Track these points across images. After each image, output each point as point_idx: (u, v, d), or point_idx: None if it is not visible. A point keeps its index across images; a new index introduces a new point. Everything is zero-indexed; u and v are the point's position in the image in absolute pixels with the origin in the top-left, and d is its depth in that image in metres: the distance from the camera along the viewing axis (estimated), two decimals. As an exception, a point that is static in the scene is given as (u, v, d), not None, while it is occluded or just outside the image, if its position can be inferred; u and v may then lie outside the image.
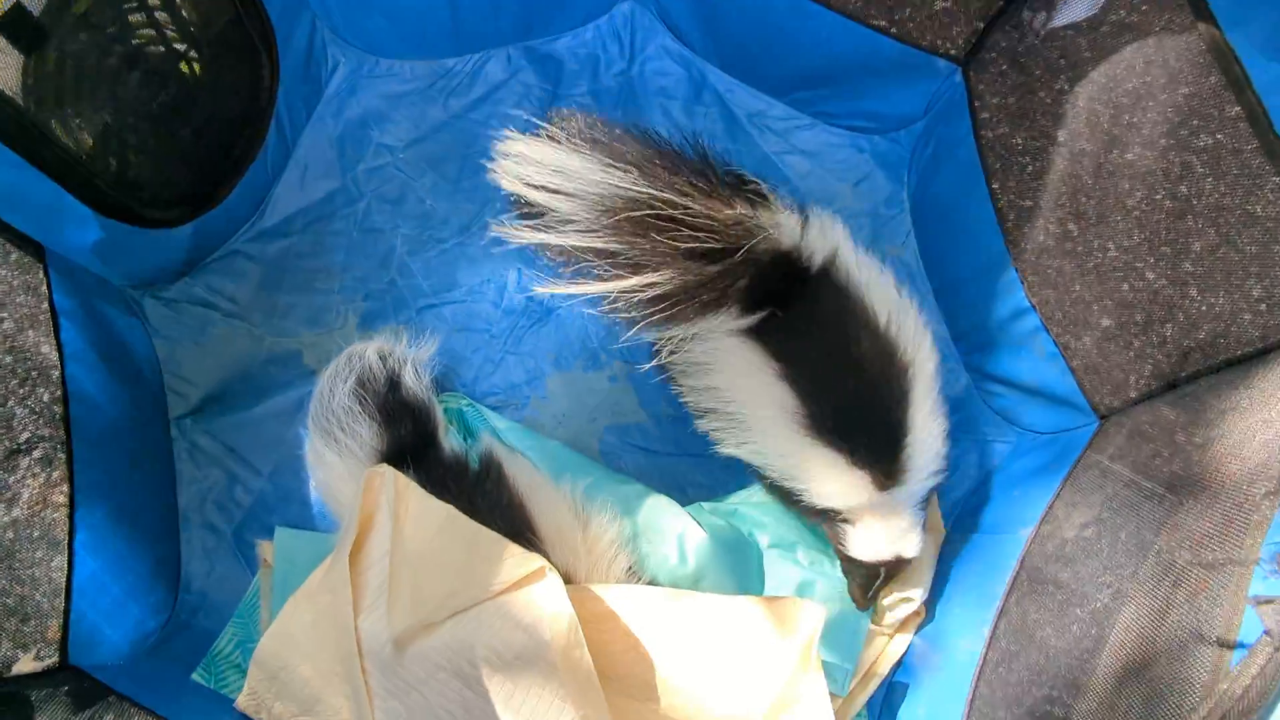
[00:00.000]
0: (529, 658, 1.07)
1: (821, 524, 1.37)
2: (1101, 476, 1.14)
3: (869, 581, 1.31)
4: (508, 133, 1.24)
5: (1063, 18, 1.30)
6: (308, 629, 1.19)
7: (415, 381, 1.41)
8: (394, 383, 1.39)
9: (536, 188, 1.19)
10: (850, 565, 1.33)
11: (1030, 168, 1.39)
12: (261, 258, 1.61)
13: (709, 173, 1.19)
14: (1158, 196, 1.20)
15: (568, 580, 1.23)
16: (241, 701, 1.25)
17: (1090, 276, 1.30)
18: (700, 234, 1.13)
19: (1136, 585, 0.89)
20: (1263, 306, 1.10)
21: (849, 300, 1.23)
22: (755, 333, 1.26)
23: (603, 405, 1.60)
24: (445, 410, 1.56)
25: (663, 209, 1.12)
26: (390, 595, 1.14)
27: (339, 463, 1.34)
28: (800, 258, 1.25)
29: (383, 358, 1.41)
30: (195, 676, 1.32)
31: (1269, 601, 0.68)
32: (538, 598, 1.10)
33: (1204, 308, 1.18)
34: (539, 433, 1.56)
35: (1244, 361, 1.09)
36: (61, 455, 1.17)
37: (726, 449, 1.36)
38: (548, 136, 1.23)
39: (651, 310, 1.20)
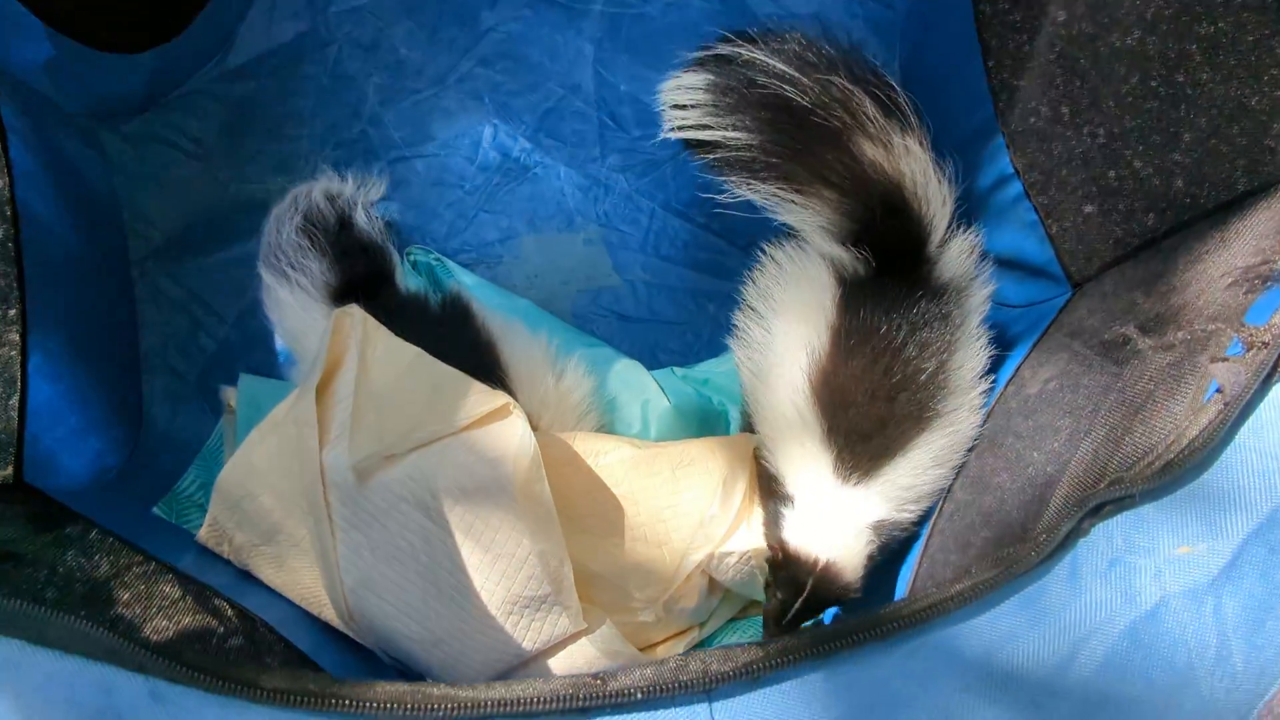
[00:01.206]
0: (490, 490, 1.07)
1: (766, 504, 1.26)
2: (1069, 338, 1.14)
3: (791, 593, 1.12)
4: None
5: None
6: (272, 458, 1.18)
7: (367, 222, 1.39)
8: (344, 221, 1.37)
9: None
10: (776, 568, 1.17)
11: (1026, 46, 1.35)
12: (227, 98, 1.54)
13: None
14: (1152, 83, 1.17)
15: (533, 428, 1.23)
16: (203, 534, 1.25)
17: (1077, 162, 1.28)
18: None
19: (1098, 421, 0.90)
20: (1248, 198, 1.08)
21: (935, 328, 1.17)
22: (839, 277, 1.23)
23: (577, 268, 1.58)
24: (415, 264, 1.53)
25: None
26: (353, 428, 1.13)
27: (292, 300, 1.33)
28: (923, 239, 1.23)
29: (331, 198, 1.39)
30: (156, 510, 1.33)
31: (1225, 360, 0.69)
32: (501, 434, 1.10)
33: (1188, 200, 1.16)
34: (510, 292, 1.54)
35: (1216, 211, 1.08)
36: (14, 279, 1.14)
37: (735, 347, 1.34)
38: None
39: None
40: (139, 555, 1.16)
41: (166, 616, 1.17)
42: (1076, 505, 0.71)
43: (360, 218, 1.39)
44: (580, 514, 1.18)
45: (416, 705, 0.68)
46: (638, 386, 1.45)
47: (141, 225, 1.49)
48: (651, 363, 1.49)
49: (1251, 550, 0.66)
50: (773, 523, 1.19)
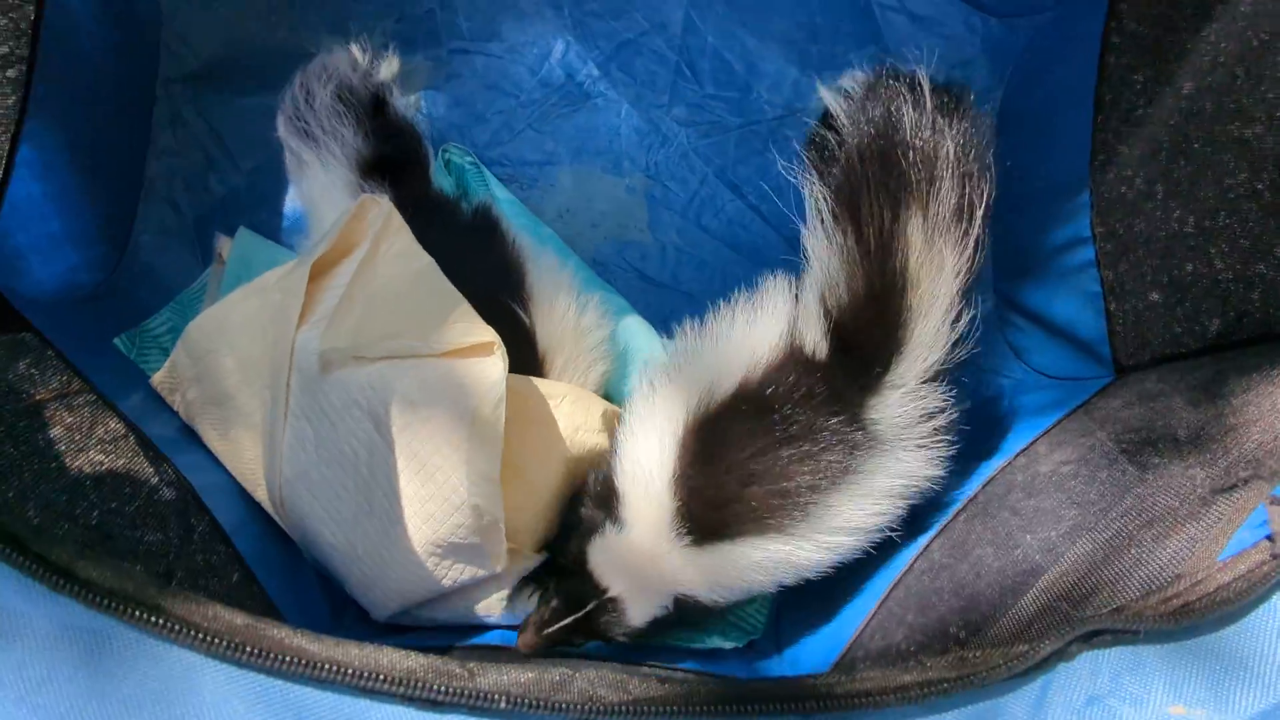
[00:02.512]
0: (444, 425, 1.01)
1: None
2: (1097, 425, 1.06)
3: (567, 608, 1.05)
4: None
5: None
6: (250, 321, 1.12)
7: (404, 107, 1.30)
8: (379, 101, 1.29)
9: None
10: (565, 575, 1.10)
11: (1141, 110, 1.25)
12: (297, -64, 1.45)
13: None
14: (1259, 185, 1.08)
15: (543, 362, 1.17)
16: (159, 378, 1.19)
17: (1157, 244, 1.19)
18: None
19: (1106, 521, 0.82)
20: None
21: (828, 454, 1.03)
22: (789, 339, 1.11)
23: (610, 213, 1.49)
24: (448, 163, 1.45)
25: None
26: (334, 317, 1.06)
27: (318, 164, 1.25)
28: (882, 363, 1.07)
29: (365, 75, 1.29)
30: (117, 342, 1.26)
31: (1281, 504, 0.61)
32: (476, 371, 1.03)
33: (1261, 316, 1.07)
34: (539, 220, 1.45)
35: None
36: (25, 56, 1.06)
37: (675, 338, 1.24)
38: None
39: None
40: (87, 385, 1.10)
41: (104, 451, 1.12)
42: (1063, 620, 0.63)
43: (396, 101, 1.30)
44: (524, 463, 1.11)
45: (245, 644, 0.60)
46: (644, 346, 1.37)
47: (178, 45, 1.41)
48: (660, 330, 1.41)
49: (1255, 735, 0.57)
50: (586, 534, 1.10)
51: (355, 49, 1.30)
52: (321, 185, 1.27)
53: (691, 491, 1.03)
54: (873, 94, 1.11)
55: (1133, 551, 0.74)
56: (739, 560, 1.03)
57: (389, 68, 1.32)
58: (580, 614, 1.04)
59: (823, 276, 1.08)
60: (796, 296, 1.13)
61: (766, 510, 1.01)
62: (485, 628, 1.14)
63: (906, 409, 1.05)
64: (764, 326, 1.11)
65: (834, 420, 1.02)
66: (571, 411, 1.16)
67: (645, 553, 1.05)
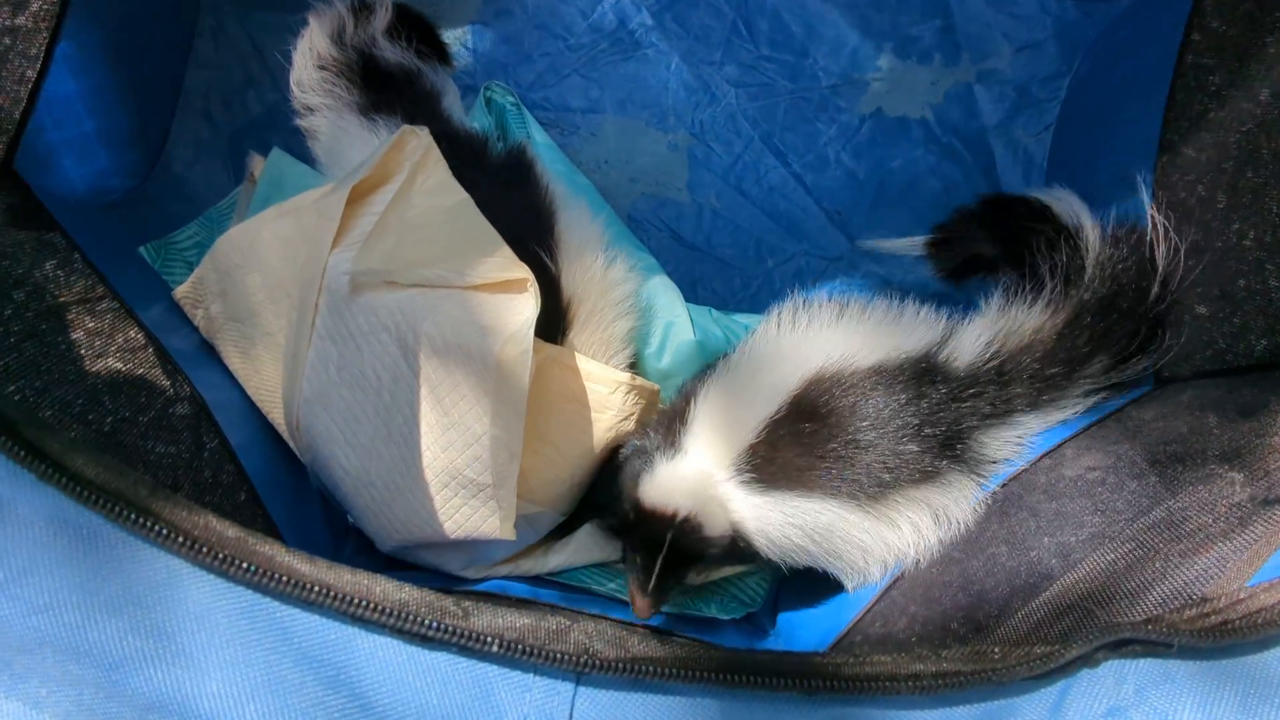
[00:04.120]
0: (471, 357, 0.99)
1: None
2: (1130, 434, 1.03)
3: (650, 551, 1.04)
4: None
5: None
6: (281, 240, 1.11)
7: (394, 52, 1.29)
8: (367, 56, 1.28)
9: None
10: (631, 529, 1.08)
11: (1213, 114, 1.20)
12: None
13: None
14: None
15: (566, 311, 1.15)
16: (183, 290, 1.19)
17: (1212, 256, 1.14)
18: None
19: (1130, 532, 0.80)
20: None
21: (918, 465, 1.07)
22: (927, 349, 1.15)
23: (649, 169, 1.46)
24: (489, 101, 1.42)
25: None
26: (368, 241, 1.05)
27: (325, 124, 1.26)
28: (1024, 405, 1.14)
29: (339, 41, 1.28)
30: (143, 251, 1.25)
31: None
32: (506, 306, 1.01)
33: None
34: (576, 168, 1.42)
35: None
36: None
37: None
38: None
39: None
40: (110, 292, 1.10)
41: (122, 360, 1.12)
42: (1084, 625, 0.61)
43: (384, 49, 1.28)
44: (551, 431, 1.10)
45: (235, 557, 0.59)
46: (667, 308, 1.35)
47: (228, -48, 1.38)
48: (689, 295, 1.38)
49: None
50: (634, 480, 1.08)
51: (340, 5, 1.29)
52: (335, 135, 1.26)
53: (777, 438, 1.04)
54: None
55: (1157, 564, 0.72)
56: (793, 512, 1.03)
57: (381, 15, 1.30)
58: (665, 549, 1.02)
59: (1005, 326, 1.14)
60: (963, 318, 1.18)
61: (839, 479, 1.03)
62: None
63: (1006, 449, 1.09)
64: (918, 328, 1.14)
65: (942, 432, 1.05)
66: (623, 403, 1.14)
67: (703, 476, 1.05)
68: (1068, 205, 1.20)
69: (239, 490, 1.09)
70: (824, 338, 1.12)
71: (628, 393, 1.14)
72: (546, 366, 1.08)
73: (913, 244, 1.32)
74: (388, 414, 1.05)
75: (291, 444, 1.18)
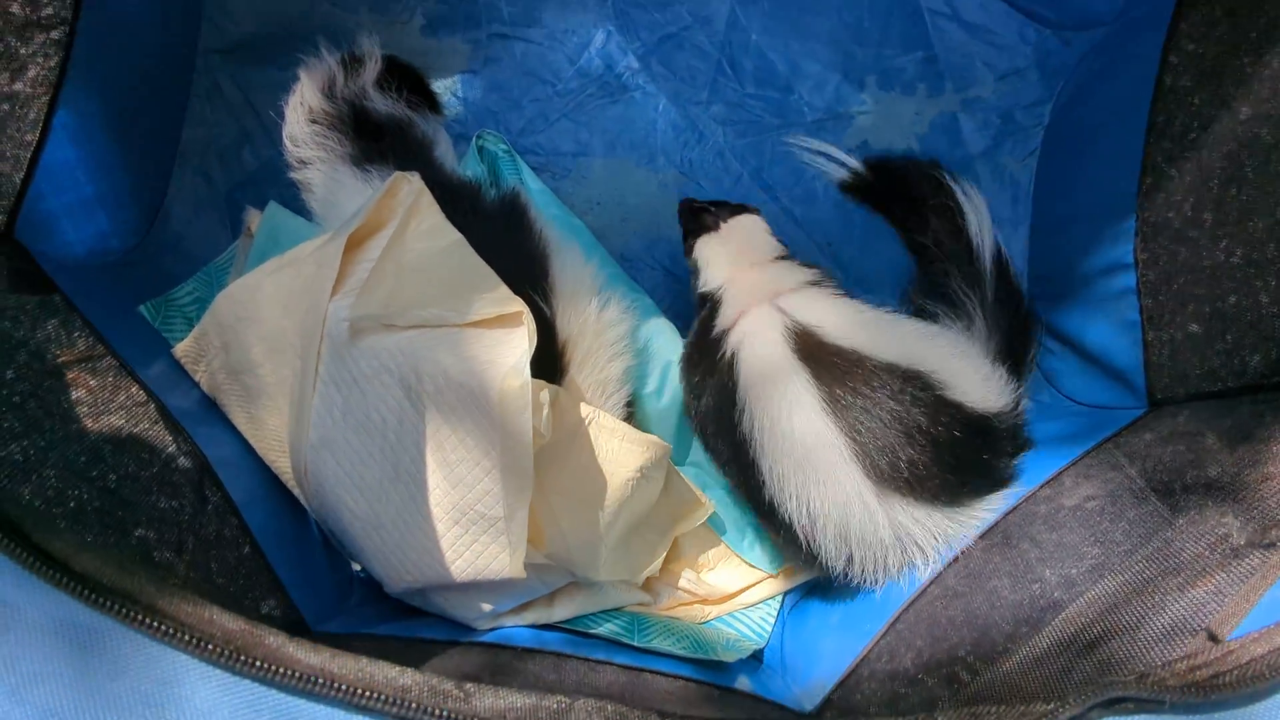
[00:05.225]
0: (474, 390, 1.01)
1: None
2: (1127, 460, 1.03)
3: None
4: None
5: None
6: (281, 291, 1.12)
7: (385, 103, 1.32)
8: (358, 108, 1.30)
9: None
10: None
11: (1194, 134, 1.21)
12: (347, -88, 1.44)
13: None
14: None
15: (563, 352, 1.17)
16: (183, 347, 1.20)
17: (1201, 275, 1.15)
18: None
19: (1129, 563, 0.80)
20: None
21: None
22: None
23: (642, 209, 1.48)
24: (481, 149, 1.44)
25: None
26: (365, 287, 1.07)
27: (320, 176, 1.28)
28: None
29: (329, 93, 1.31)
30: (143, 309, 1.27)
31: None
32: (502, 340, 1.02)
33: None
34: (570, 211, 1.44)
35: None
36: (69, 12, 1.06)
37: None
38: None
39: None
40: (111, 351, 1.11)
41: (124, 417, 1.13)
42: (1076, 674, 0.61)
43: (375, 101, 1.31)
44: (564, 486, 1.11)
45: (240, 651, 0.59)
46: (666, 348, 1.36)
47: (220, 16, 1.41)
48: (684, 331, 1.39)
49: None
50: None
51: (330, 59, 1.32)
52: (329, 187, 1.28)
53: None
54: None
55: (1153, 597, 0.72)
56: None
57: (371, 68, 1.32)
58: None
59: None
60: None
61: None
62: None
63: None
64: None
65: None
66: (644, 462, 1.15)
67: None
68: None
69: (242, 544, 1.10)
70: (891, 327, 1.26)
71: (659, 453, 1.16)
72: (585, 428, 1.10)
73: (848, 160, 1.45)
74: (395, 455, 1.06)
75: (298, 492, 1.19)
